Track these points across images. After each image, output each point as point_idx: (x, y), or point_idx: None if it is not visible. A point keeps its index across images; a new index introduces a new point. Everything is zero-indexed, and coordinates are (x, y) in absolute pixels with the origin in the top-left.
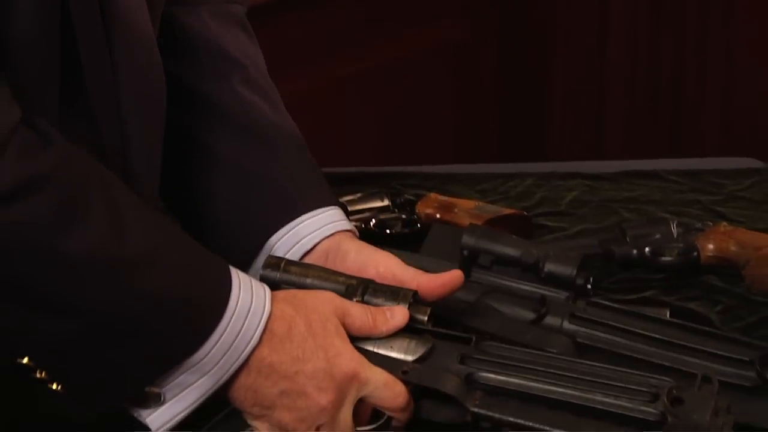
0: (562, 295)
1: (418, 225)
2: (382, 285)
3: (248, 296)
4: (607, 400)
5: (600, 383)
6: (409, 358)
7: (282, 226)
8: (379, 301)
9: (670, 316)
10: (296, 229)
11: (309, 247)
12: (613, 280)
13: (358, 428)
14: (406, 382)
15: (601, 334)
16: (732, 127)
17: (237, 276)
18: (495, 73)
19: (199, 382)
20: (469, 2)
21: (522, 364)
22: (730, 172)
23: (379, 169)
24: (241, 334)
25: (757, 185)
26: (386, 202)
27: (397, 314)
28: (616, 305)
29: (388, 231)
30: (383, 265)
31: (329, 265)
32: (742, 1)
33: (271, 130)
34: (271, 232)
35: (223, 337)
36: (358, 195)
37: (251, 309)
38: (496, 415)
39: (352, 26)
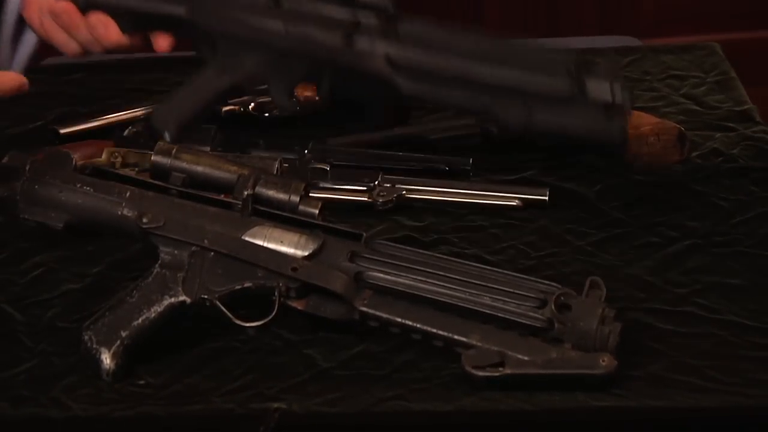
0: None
1: (298, 108)
2: (274, 176)
3: None
4: (494, 304)
5: (489, 287)
6: (299, 253)
7: None
8: (270, 192)
9: (550, 195)
10: None
11: None
12: (493, 160)
13: (248, 323)
14: (295, 279)
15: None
16: (609, 5)
17: None
18: None
19: None
20: None
21: (412, 265)
22: (608, 50)
23: None
24: None
25: (636, 64)
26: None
27: None
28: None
29: (267, 114)
30: None
31: None
32: None
33: None
34: None
35: None
36: None
37: None
38: (384, 315)
39: None
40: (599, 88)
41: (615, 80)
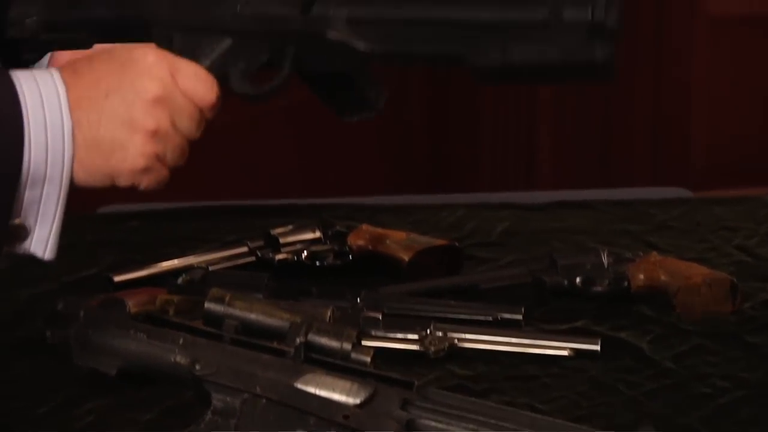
0: None
1: (350, 257)
2: (326, 324)
3: (34, 87)
4: None
5: None
6: (351, 401)
7: None
8: (323, 340)
9: (602, 345)
10: None
11: None
12: (544, 310)
13: None
14: (346, 427)
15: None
16: (661, 158)
17: (15, 76)
18: (424, 103)
19: (45, 190)
20: None
21: (464, 413)
22: (659, 201)
23: (310, 200)
24: (48, 124)
25: (687, 215)
26: (318, 234)
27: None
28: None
29: (319, 263)
30: None
31: None
32: (669, 32)
33: None
34: None
35: (33, 137)
36: (290, 227)
37: (43, 98)
38: None
39: None
40: (577, 8)
41: None
